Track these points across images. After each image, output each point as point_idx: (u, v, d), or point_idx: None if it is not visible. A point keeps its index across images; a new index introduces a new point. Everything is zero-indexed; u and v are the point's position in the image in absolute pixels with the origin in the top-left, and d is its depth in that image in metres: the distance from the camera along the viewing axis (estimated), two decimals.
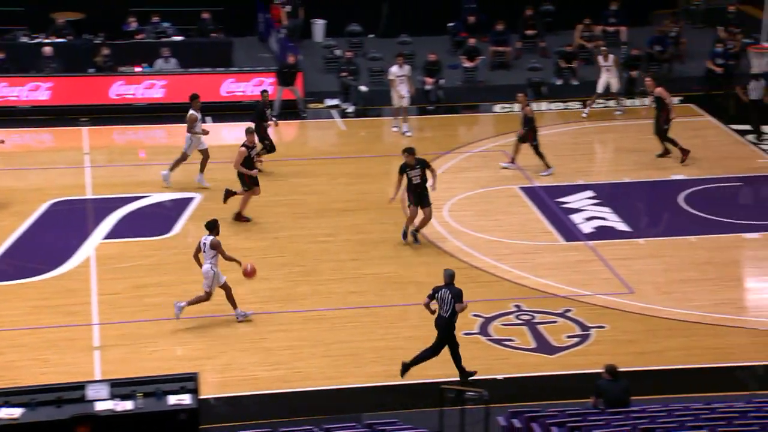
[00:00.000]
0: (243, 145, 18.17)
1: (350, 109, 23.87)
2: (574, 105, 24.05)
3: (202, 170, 19.81)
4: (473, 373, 13.78)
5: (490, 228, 18.15)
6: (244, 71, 24.16)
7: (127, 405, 10.73)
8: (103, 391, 10.83)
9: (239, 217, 18.36)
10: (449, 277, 13.70)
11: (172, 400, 10.85)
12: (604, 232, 18.03)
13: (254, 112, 20.34)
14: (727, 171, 20.39)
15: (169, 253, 17.42)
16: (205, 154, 19.80)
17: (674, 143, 20.57)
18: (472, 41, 25.34)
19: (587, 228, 18.18)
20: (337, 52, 25.75)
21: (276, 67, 23.93)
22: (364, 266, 17.01)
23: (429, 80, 23.95)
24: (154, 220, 18.67)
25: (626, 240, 17.73)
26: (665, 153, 20.68)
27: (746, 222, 18.28)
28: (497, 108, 24.06)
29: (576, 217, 18.48)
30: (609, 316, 15.49)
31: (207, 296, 15.23)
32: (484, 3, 27.34)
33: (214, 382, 13.92)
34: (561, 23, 27.79)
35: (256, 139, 18.78)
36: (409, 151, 17.26)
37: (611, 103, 23.59)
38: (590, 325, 15.25)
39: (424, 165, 17.29)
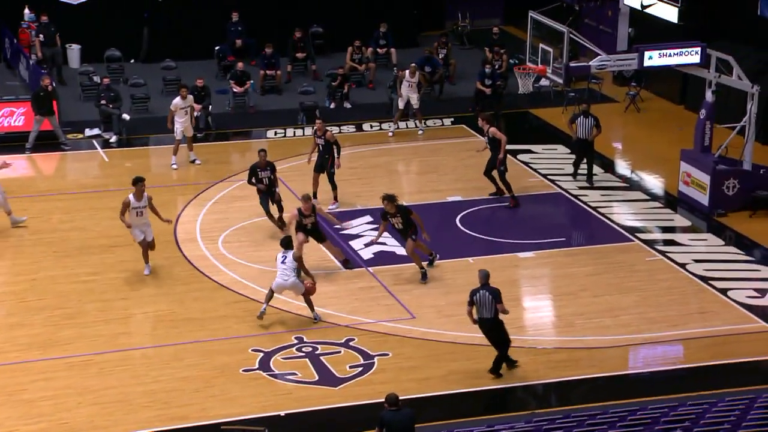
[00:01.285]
0: None
1: (113, 138, 23.19)
2: (348, 128, 24.36)
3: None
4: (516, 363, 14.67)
5: (266, 258, 18.00)
6: None
7: None
8: None
9: None
10: (485, 277, 14.09)
11: None
12: (383, 258, 18.28)
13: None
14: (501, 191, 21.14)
15: None
16: None
17: (509, 188, 20.34)
18: (240, 65, 25.23)
19: (367, 254, 18.38)
20: (96, 79, 24.98)
21: (28, 96, 22.93)
22: (133, 305, 16.50)
23: (197, 106, 23.60)
24: None
25: (405, 265, 18.03)
26: (499, 191, 20.58)
27: (520, 241, 19.02)
28: (270, 133, 24.04)
29: (355, 243, 18.66)
30: (392, 343, 15.68)
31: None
32: (250, 26, 27.31)
33: None
34: (331, 45, 28.20)
35: None
36: (389, 199, 17.17)
37: (416, 123, 23.96)
38: (373, 353, 15.38)
39: (405, 213, 17.32)
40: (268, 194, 18.72)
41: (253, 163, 18.77)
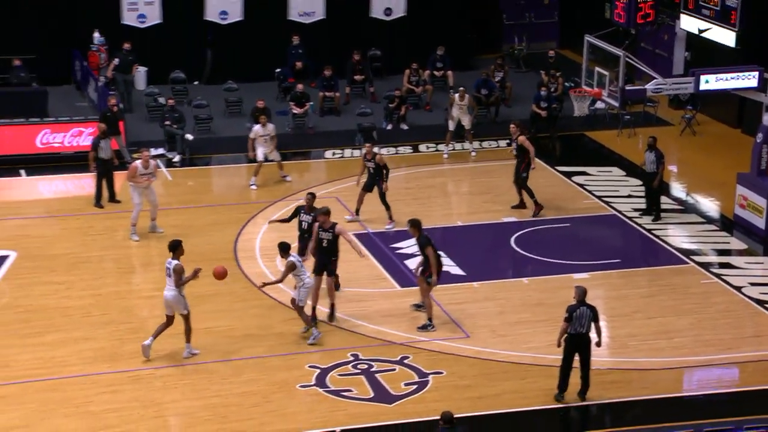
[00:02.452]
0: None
1: (176, 158, 23.62)
2: (404, 149, 24.55)
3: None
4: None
5: None
6: (61, 121, 23.56)
7: None
8: None
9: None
10: (583, 294, 14.25)
11: None
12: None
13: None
14: (555, 212, 21.18)
15: None
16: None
17: (531, 194, 20.76)
18: (300, 87, 25.57)
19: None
20: (161, 100, 25.47)
21: (96, 116, 23.45)
22: (195, 321, 16.74)
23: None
24: None
25: (461, 284, 18.13)
26: (521, 205, 20.91)
27: (575, 262, 19.02)
28: (328, 154, 24.30)
29: (410, 263, 18.78)
30: (446, 362, 15.77)
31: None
32: (310, 49, 27.65)
33: None
34: (389, 68, 28.44)
35: None
36: (413, 224, 16.57)
37: (466, 145, 24.10)
38: (428, 371, 15.48)
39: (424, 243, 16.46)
40: (303, 240, 17.42)
41: (299, 204, 18.27)
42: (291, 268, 15.83)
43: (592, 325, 14.39)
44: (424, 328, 16.56)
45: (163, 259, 15.56)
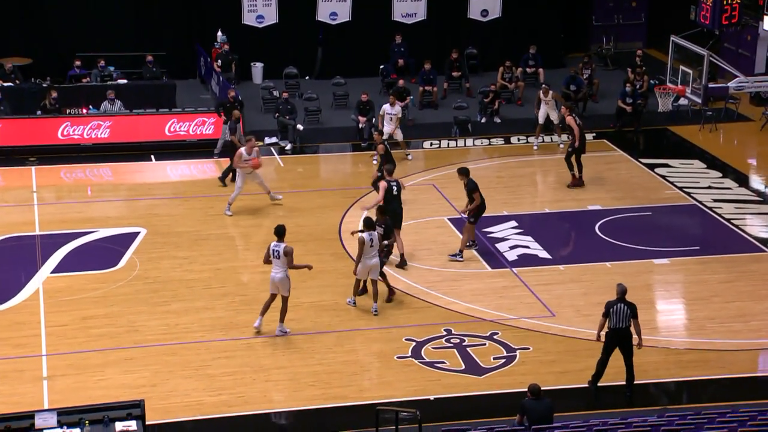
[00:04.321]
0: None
1: (288, 146, 23.80)
2: (497, 141, 24.30)
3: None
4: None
5: (421, 257, 18.17)
6: (187, 112, 23.97)
7: None
8: (52, 419, 10.57)
9: None
10: (622, 292, 13.84)
11: (119, 426, 10.62)
12: (527, 260, 18.17)
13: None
14: (638, 201, 20.72)
15: (115, 285, 17.12)
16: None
17: (570, 167, 20.94)
18: (401, 82, 25.51)
19: (512, 256, 18.31)
20: (275, 93, 25.70)
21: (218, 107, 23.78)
22: (302, 295, 16.90)
23: (362, 119, 24.00)
24: (101, 254, 18.35)
25: (547, 266, 17.88)
26: (577, 181, 21.01)
27: (656, 248, 18.57)
28: (426, 144, 24.20)
29: (501, 246, 18.60)
30: (533, 338, 15.58)
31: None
32: (412, 47, 27.57)
33: (159, 408, 13.66)
34: (484, 65, 28.18)
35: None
36: (462, 171, 17.82)
37: (555, 137, 23.78)
38: (516, 347, 15.32)
39: (471, 189, 17.72)
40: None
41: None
42: (361, 243, 15.81)
43: (632, 321, 13.83)
44: (454, 257, 17.54)
45: (273, 238, 15.65)
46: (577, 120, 21.19)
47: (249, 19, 27.92)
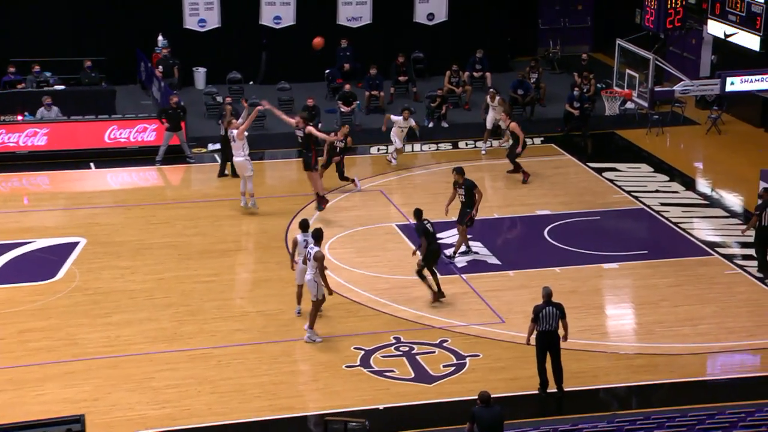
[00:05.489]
0: None
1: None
2: (445, 146, 24.41)
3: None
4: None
5: (369, 264, 18.18)
6: (127, 118, 23.70)
7: None
8: None
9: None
10: (548, 294, 14.01)
11: None
12: (476, 266, 18.27)
13: None
14: (586, 206, 20.95)
15: (54, 297, 16.86)
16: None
17: (518, 165, 21.91)
18: (347, 87, 25.50)
19: (461, 262, 18.39)
20: (218, 99, 25.53)
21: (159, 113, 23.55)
22: (248, 304, 16.80)
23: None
24: (39, 265, 18.05)
25: (497, 272, 17.99)
26: (516, 170, 22.04)
27: (604, 253, 18.79)
28: (373, 150, 24.23)
29: (450, 252, 18.67)
30: (483, 345, 15.65)
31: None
32: (358, 51, 27.60)
33: (102, 423, 13.47)
34: (431, 69, 28.32)
35: None
36: (458, 171, 18.25)
37: (503, 143, 24.00)
38: (466, 354, 15.38)
39: (470, 187, 18.04)
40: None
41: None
42: (294, 244, 15.91)
43: (560, 322, 14.06)
44: (463, 254, 18.30)
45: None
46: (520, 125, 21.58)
47: (191, 23, 27.74)
